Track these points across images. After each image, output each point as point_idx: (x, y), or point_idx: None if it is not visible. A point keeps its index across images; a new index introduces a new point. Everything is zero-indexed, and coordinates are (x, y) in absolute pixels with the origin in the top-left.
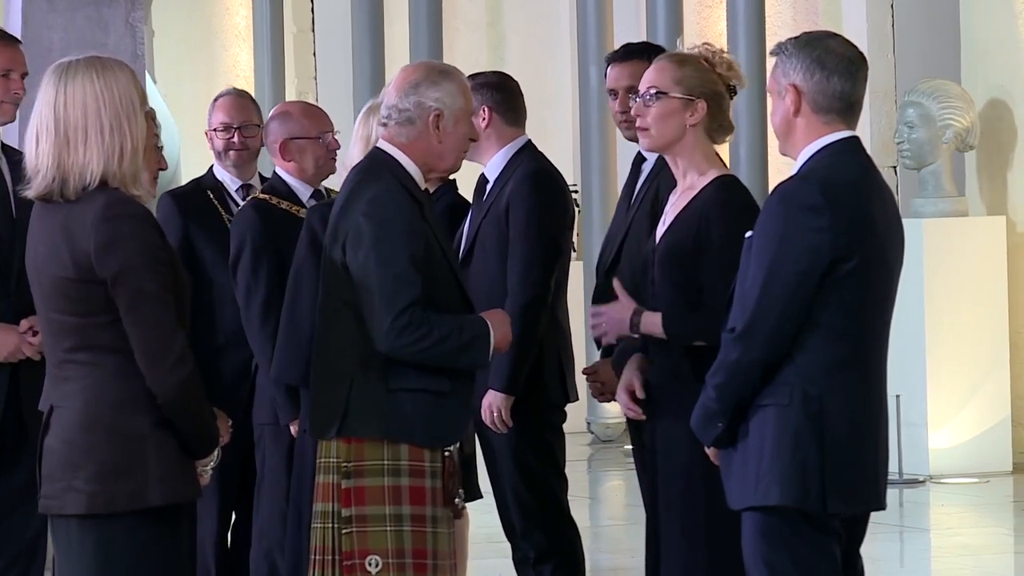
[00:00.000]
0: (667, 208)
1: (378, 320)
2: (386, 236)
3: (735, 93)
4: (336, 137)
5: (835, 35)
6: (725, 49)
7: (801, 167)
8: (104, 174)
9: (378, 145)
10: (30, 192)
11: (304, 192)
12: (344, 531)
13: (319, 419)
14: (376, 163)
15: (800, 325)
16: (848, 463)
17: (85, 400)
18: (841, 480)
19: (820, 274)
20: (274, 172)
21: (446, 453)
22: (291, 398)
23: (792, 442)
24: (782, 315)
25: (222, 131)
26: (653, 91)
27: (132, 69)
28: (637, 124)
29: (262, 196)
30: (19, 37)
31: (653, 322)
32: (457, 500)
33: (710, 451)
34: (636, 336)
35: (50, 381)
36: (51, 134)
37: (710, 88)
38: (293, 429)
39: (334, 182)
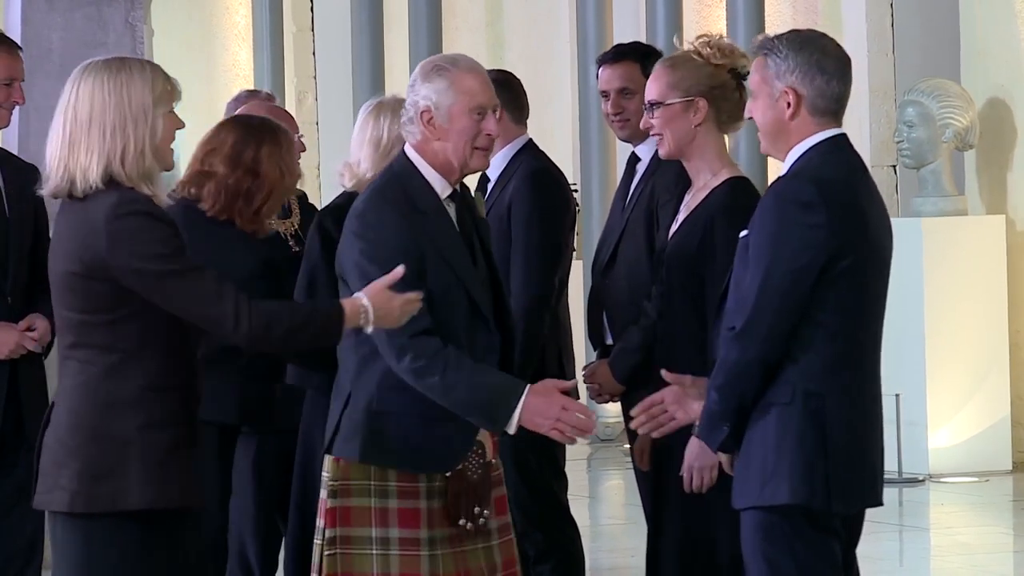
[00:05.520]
0: (681, 207)
1: (379, 340)
2: (371, 258)
3: (743, 76)
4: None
5: (824, 35)
6: (722, 34)
7: (792, 165)
8: (107, 174)
9: (403, 148)
10: (44, 191)
11: None
12: (327, 552)
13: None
14: (386, 171)
15: (798, 323)
16: (849, 461)
17: (75, 399)
18: (843, 478)
19: (818, 271)
20: None
21: (447, 473)
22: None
23: (796, 441)
24: (779, 313)
25: None
26: (651, 102)
27: (154, 70)
28: (652, 135)
29: None
30: (19, 36)
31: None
32: (463, 522)
33: (721, 458)
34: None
35: (57, 377)
36: (59, 134)
37: (707, 84)
38: None
39: (327, 186)
